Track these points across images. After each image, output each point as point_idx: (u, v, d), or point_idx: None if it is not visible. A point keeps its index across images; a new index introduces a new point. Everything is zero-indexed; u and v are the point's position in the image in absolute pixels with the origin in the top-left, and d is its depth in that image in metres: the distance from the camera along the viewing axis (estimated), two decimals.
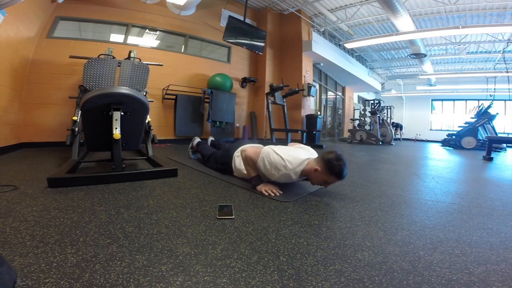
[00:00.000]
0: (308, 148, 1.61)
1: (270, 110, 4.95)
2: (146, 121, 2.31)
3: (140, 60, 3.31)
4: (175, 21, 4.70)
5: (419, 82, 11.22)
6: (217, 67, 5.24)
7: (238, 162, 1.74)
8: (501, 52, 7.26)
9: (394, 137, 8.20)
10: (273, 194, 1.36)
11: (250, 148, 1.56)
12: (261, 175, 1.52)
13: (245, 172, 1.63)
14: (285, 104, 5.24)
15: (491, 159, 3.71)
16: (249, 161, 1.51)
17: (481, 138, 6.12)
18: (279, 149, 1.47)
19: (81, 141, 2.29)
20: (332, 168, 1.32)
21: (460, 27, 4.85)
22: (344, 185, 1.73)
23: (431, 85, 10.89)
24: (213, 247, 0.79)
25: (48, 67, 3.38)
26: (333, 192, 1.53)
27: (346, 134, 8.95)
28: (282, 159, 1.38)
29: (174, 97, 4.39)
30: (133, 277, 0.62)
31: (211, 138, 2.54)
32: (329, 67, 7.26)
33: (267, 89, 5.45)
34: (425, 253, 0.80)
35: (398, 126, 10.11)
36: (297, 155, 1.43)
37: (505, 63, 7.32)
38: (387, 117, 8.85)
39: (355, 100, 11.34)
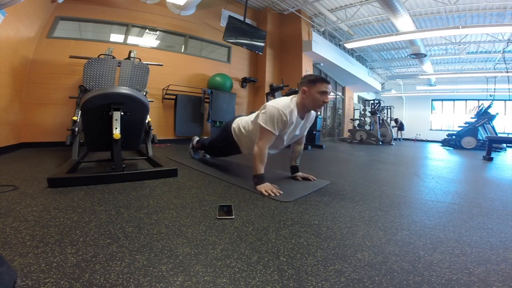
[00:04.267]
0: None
1: None
2: (146, 121, 2.31)
3: (140, 60, 3.31)
4: (175, 21, 4.70)
5: (419, 82, 11.22)
6: (217, 67, 5.24)
7: (238, 130, 1.78)
8: (501, 52, 7.26)
9: (394, 136, 8.20)
10: (273, 194, 1.36)
11: (259, 141, 1.51)
12: (276, 138, 1.53)
13: (244, 133, 1.69)
14: None
15: (491, 159, 3.71)
16: (263, 156, 1.49)
17: (481, 138, 6.12)
18: (264, 105, 1.55)
19: (81, 141, 2.29)
20: (312, 79, 1.46)
21: (460, 27, 4.85)
22: (344, 185, 1.73)
23: (431, 85, 10.89)
24: (213, 247, 0.79)
25: (48, 67, 3.38)
26: (333, 192, 1.53)
27: (346, 134, 8.94)
28: (274, 107, 1.46)
29: (174, 97, 4.39)
30: (133, 277, 0.62)
31: (206, 138, 2.56)
32: (329, 67, 7.25)
33: (267, 89, 5.45)
34: (425, 253, 0.80)
35: (399, 123, 10.11)
36: (283, 98, 1.55)
37: (505, 63, 7.32)
38: (387, 117, 8.85)
39: (355, 100, 11.34)
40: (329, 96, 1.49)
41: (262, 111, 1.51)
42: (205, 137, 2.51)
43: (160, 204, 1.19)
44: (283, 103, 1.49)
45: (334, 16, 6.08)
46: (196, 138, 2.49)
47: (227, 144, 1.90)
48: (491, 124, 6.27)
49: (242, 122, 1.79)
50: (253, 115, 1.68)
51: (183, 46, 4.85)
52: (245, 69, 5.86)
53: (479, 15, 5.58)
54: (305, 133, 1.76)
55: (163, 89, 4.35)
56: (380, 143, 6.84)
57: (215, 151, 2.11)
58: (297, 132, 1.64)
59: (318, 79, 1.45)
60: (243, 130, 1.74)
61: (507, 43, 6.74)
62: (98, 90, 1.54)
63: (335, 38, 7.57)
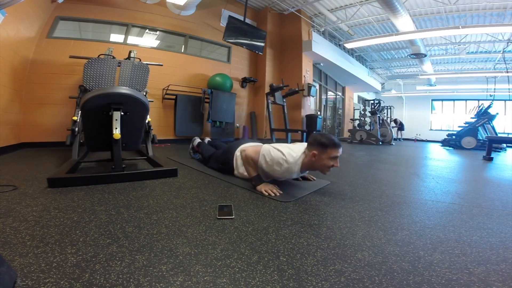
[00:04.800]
0: (304, 143, 1.62)
1: (270, 110, 4.95)
2: (146, 121, 2.31)
3: (140, 60, 3.30)
4: (175, 21, 4.70)
5: (419, 82, 11.22)
6: (217, 67, 5.24)
7: (239, 161, 1.74)
8: (501, 52, 7.26)
9: (394, 136, 8.20)
10: (273, 194, 1.36)
11: (250, 147, 1.57)
12: (262, 173, 1.52)
13: (246, 174, 1.63)
14: (285, 104, 5.24)
15: (491, 159, 3.71)
16: (250, 161, 1.52)
17: (481, 138, 6.12)
18: (278, 145, 1.51)
19: (81, 141, 2.29)
20: (324, 143, 1.35)
21: (460, 27, 4.85)
22: (344, 185, 1.73)
23: (431, 85, 10.89)
24: (213, 247, 0.79)
25: (48, 67, 3.38)
26: (333, 192, 1.53)
27: (346, 134, 8.94)
28: (282, 154, 1.41)
29: (174, 97, 4.39)
30: (133, 277, 0.62)
31: (207, 139, 2.54)
32: (329, 67, 7.26)
33: (267, 89, 5.45)
34: (425, 253, 0.80)
35: (398, 123, 10.11)
36: (296, 148, 1.47)
37: (505, 63, 7.32)
38: (387, 117, 8.86)
39: (355, 100, 11.34)
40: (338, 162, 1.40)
41: (273, 152, 1.44)
42: (207, 141, 2.48)
43: (160, 204, 1.19)
44: (291, 164, 1.39)
45: (334, 16, 6.08)
46: (197, 140, 2.48)
47: (226, 167, 1.87)
48: (491, 124, 6.27)
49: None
50: (256, 145, 1.64)
51: (183, 46, 4.85)
52: (245, 69, 5.86)
53: (479, 15, 5.58)
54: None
55: (163, 89, 4.35)
56: (380, 143, 6.84)
57: (213, 166, 2.07)
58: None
59: (330, 144, 1.34)
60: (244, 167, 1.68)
61: (507, 43, 6.74)
62: (98, 90, 1.54)
63: (335, 38, 7.57)
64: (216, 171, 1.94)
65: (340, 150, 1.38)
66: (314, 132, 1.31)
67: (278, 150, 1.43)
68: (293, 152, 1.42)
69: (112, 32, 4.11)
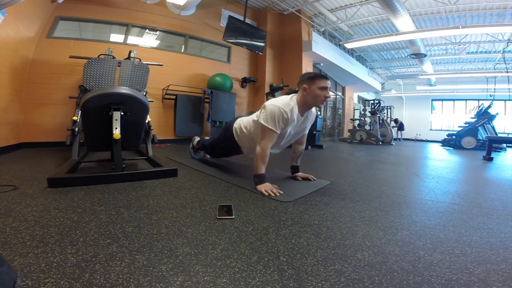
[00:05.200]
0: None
1: None
2: (146, 121, 2.31)
3: (140, 60, 3.31)
4: (175, 21, 4.70)
5: (419, 82, 11.22)
6: (217, 67, 5.24)
7: (239, 131, 1.77)
8: (501, 52, 7.26)
9: (394, 136, 8.20)
10: (273, 194, 1.36)
11: (262, 141, 1.51)
12: (277, 138, 1.53)
13: (246, 132, 1.69)
14: None
15: (491, 159, 3.71)
16: (265, 156, 1.49)
17: (481, 138, 6.12)
18: (264, 104, 1.55)
19: (81, 141, 2.29)
20: (311, 76, 1.49)
21: (460, 27, 4.85)
22: (344, 185, 1.73)
23: (431, 85, 10.89)
24: (213, 247, 0.79)
25: (48, 67, 3.38)
26: (333, 192, 1.53)
27: (346, 134, 8.94)
28: (275, 105, 1.47)
29: (174, 97, 4.39)
30: (133, 277, 0.62)
31: (207, 138, 2.55)
32: (329, 67, 7.25)
33: (267, 89, 5.45)
34: (425, 253, 0.80)
35: (398, 123, 10.10)
36: (281, 97, 1.56)
37: (505, 63, 7.32)
38: (387, 117, 8.86)
39: (355, 100, 11.34)
40: (329, 92, 1.52)
41: (263, 110, 1.52)
42: (206, 138, 2.51)
43: (160, 204, 1.19)
44: (283, 102, 1.50)
45: (334, 16, 6.08)
46: (197, 139, 2.49)
47: (228, 145, 1.89)
48: (491, 124, 6.27)
49: (243, 122, 1.78)
50: (254, 115, 1.68)
51: (183, 46, 4.85)
52: (245, 69, 5.86)
53: (479, 15, 5.58)
54: (306, 132, 1.76)
55: (163, 89, 4.35)
56: (380, 143, 6.85)
57: (216, 151, 2.11)
58: (299, 130, 1.65)
59: (317, 76, 1.48)
60: (244, 130, 1.73)
61: (507, 43, 6.74)
62: (98, 90, 1.54)
63: (335, 38, 7.57)
64: (216, 171, 1.94)
65: (329, 82, 1.50)
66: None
67: (271, 104, 1.50)
68: (281, 99, 1.53)
69: (112, 32, 4.11)
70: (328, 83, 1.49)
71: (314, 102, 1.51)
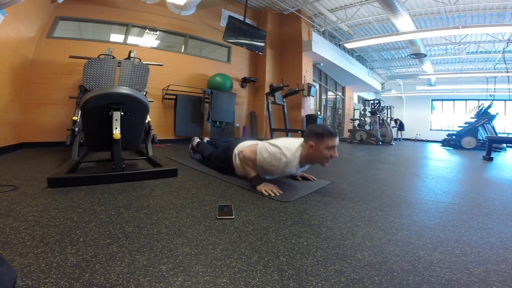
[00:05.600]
0: (301, 138, 1.63)
1: (270, 110, 4.95)
2: (146, 121, 2.31)
3: (140, 60, 3.31)
4: (175, 21, 4.70)
5: (419, 82, 11.22)
6: (217, 67, 5.24)
7: (238, 161, 1.73)
8: (501, 52, 7.26)
9: (394, 136, 8.20)
10: (273, 194, 1.36)
11: (246, 148, 1.56)
12: (261, 171, 1.52)
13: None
14: (285, 104, 5.24)
15: (491, 159, 3.71)
16: (248, 161, 1.52)
17: (481, 138, 6.12)
18: (274, 141, 1.51)
19: (81, 141, 2.29)
20: (320, 133, 1.37)
21: (460, 27, 4.85)
22: (344, 185, 1.73)
23: (431, 85, 10.89)
24: (213, 247, 0.79)
25: (48, 67, 3.38)
26: (333, 192, 1.53)
27: (346, 134, 8.94)
28: (279, 148, 1.42)
29: (174, 97, 4.39)
30: (133, 277, 0.62)
31: (206, 138, 2.54)
32: (329, 67, 7.26)
33: (267, 89, 5.45)
34: (425, 253, 0.80)
35: (398, 123, 10.10)
36: (293, 142, 1.48)
37: (505, 63, 7.32)
38: (387, 117, 8.86)
39: (355, 100, 11.33)
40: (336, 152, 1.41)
41: (270, 148, 1.45)
42: (206, 140, 2.47)
43: (160, 204, 1.19)
44: (289, 157, 1.40)
45: (334, 16, 6.08)
46: (197, 140, 2.48)
47: (225, 166, 1.85)
48: (491, 124, 6.27)
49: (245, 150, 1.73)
50: (254, 142, 1.64)
51: (183, 46, 4.85)
52: (245, 69, 5.86)
53: (479, 15, 5.58)
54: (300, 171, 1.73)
55: (163, 89, 4.35)
56: (380, 143, 6.84)
57: (212, 166, 2.06)
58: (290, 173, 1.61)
59: (326, 134, 1.36)
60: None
61: (507, 43, 6.74)
62: (98, 90, 1.54)
63: (335, 38, 7.57)
64: (216, 171, 1.94)
65: (337, 139, 1.39)
66: (311, 125, 1.34)
67: (275, 145, 1.45)
68: (290, 145, 1.44)
69: (112, 32, 4.11)
70: (337, 141, 1.38)
71: (319, 161, 1.41)
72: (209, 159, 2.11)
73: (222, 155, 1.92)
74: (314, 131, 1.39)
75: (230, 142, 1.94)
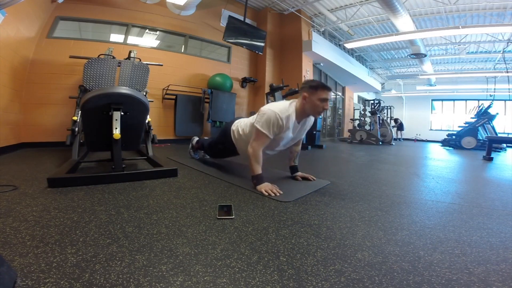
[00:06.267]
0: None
1: None
2: (146, 121, 2.31)
3: (140, 60, 3.31)
4: (175, 21, 4.70)
5: (419, 82, 11.22)
6: (217, 67, 5.24)
7: (236, 133, 1.78)
8: (501, 52, 7.26)
9: (394, 136, 8.20)
10: (273, 194, 1.36)
11: (252, 143, 1.52)
12: (273, 143, 1.55)
13: (243, 136, 1.70)
14: None
15: (491, 159, 3.71)
16: (258, 157, 1.50)
17: (481, 138, 6.12)
18: (262, 110, 1.55)
19: (81, 141, 2.29)
20: (314, 85, 1.45)
21: (460, 27, 4.85)
22: (344, 185, 1.73)
23: (431, 85, 10.89)
24: (213, 247, 0.79)
25: (48, 67, 3.38)
26: (333, 192, 1.53)
27: (346, 134, 8.94)
28: (272, 110, 1.47)
29: (174, 97, 4.39)
30: (133, 277, 0.62)
31: (206, 138, 2.57)
32: (329, 67, 7.25)
33: (267, 89, 5.45)
34: (425, 253, 0.80)
35: (398, 123, 10.10)
36: (282, 102, 1.56)
37: (505, 63, 7.32)
38: (387, 117, 8.86)
39: (355, 100, 11.33)
40: (328, 104, 1.50)
41: (260, 113, 1.52)
42: (205, 138, 2.52)
43: (160, 204, 1.19)
44: (281, 107, 1.49)
45: (334, 16, 6.08)
46: (196, 138, 2.50)
47: (226, 147, 1.90)
48: (491, 124, 6.27)
49: (241, 124, 1.79)
50: (252, 117, 1.68)
51: (183, 46, 4.85)
52: (245, 69, 5.86)
53: (479, 15, 5.58)
54: (303, 136, 1.77)
55: (163, 89, 4.35)
56: (380, 143, 6.84)
57: (214, 152, 2.12)
58: (293, 136, 1.64)
59: (320, 86, 1.45)
60: (241, 133, 1.74)
61: (507, 43, 6.73)
62: (98, 90, 1.54)
63: (335, 38, 7.57)
64: (216, 171, 1.94)
65: (330, 93, 1.48)
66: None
67: (268, 109, 1.49)
68: (280, 104, 1.52)
69: (112, 32, 4.10)
70: (330, 95, 1.48)
71: (311, 112, 1.51)
72: (209, 147, 2.15)
73: (220, 136, 1.98)
74: (310, 84, 1.47)
75: (226, 124, 1.99)
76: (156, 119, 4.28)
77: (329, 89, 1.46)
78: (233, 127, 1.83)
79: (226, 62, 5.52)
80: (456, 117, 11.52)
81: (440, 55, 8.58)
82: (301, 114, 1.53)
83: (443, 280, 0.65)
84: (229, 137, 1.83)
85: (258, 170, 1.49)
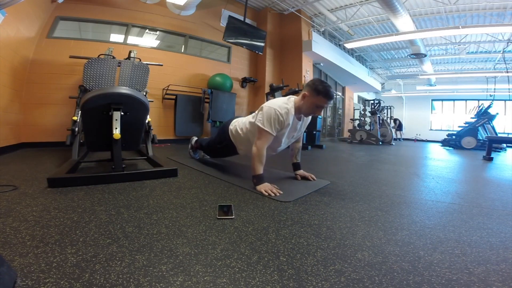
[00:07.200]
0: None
1: None
2: (146, 121, 2.31)
3: (140, 60, 3.31)
4: (175, 21, 4.69)
5: (419, 82, 11.21)
6: (217, 67, 5.24)
7: (235, 132, 1.79)
8: (501, 52, 7.25)
9: (394, 136, 8.20)
10: (273, 194, 1.36)
11: (257, 142, 1.51)
12: (275, 141, 1.56)
13: (241, 134, 1.71)
14: None
15: (491, 159, 3.71)
16: (262, 157, 1.49)
17: (481, 138, 6.12)
18: (261, 108, 1.57)
19: (81, 141, 2.29)
20: (319, 90, 1.43)
21: (460, 27, 4.85)
22: (344, 185, 1.73)
23: (431, 85, 10.88)
24: (213, 247, 0.79)
25: (48, 67, 3.38)
26: (333, 192, 1.53)
27: (346, 134, 8.94)
28: (271, 107, 1.47)
29: (174, 97, 4.39)
30: (133, 277, 0.62)
31: (204, 138, 2.57)
32: (329, 67, 7.25)
33: (267, 89, 5.45)
34: (425, 253, 0.80)
35: (397, 123, 10.09)
36: (280, 98, 1.57)
37: (505, 63, 7.32)
38: (387, 117, 8.85)
39: (355, 100, 11.33)
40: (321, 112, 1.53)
41: (259, 112, 1.53)
42: (204, 138, 2.52)
43: (160, 204, 1.19)
44: (280, 104, 1.50)
45: (334, 16, 6.08)
46: (195, 138, 2.50)
47: (224, 146, 1.91)
48: (491, 124, 6.27)
49: (239, 123, 1.81)
50: (250, 116, 1.69)
51: (183, 46, 4.85)
52: (245, 69, 5.86)
53: (479, 15, 5.58)
54: (302, 132, 1.79)
55: (163, 89, 4.34)
56: (380, 143, 6.84)
57: (213, 151, 2.13)
58: (295, 133, 1.66)
59: (322, 93, 1.43)
60: (240, 131, 1.75)
61: (507, 43, 6.73)
62: (98, 90, 1.54)
63: (335, 38, 7.57)
64: (216, 171, 1.94)
65: (330, 102, 1.48)
66: (317, 78, 1.38)
67: (266, 106, 1.50)
68: (278, 101, 1.53)
69: (112, 32, 4.10)
70: (328, 103, 1.49)
71: (304, 111, 1.53)
72: (208, 147, 2.16)
73: (218, 136, 1.99)
74: (316, 86, 1.45)
75: (223, 124, 2.01)
76: (156, 119, 4.28)
77: (330, 99, 1.46)
78: (231, 126, 1.84)
79: (226, 62, 5.52)
80: (456, 117, 11.51)
81: (440, 55, 8.57)
82: (299, 111, 1.55)
83: (443, 280, 0.65)
84: (227, 136, 1.84)
85: (260, 170, 1.50)
